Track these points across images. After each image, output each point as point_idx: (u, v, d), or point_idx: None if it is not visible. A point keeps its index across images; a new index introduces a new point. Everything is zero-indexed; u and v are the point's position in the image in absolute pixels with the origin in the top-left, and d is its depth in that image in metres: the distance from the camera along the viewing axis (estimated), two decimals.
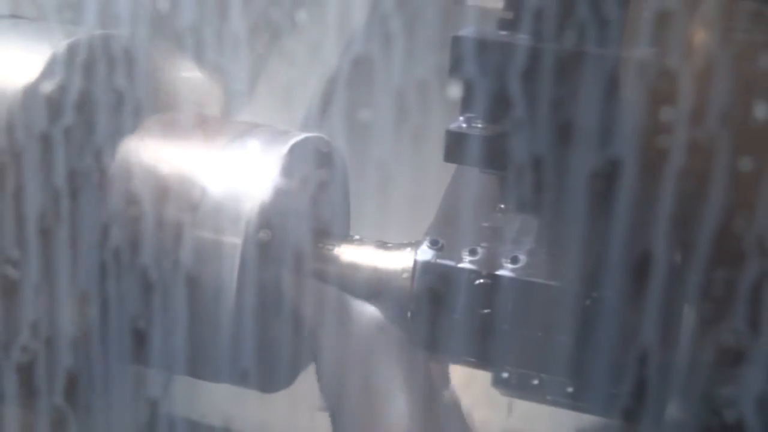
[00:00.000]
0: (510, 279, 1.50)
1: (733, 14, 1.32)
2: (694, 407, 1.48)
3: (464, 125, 1.41)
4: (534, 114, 1.34)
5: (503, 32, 1.37)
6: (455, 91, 1.39)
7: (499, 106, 1.36)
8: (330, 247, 1.68)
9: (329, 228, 1.73)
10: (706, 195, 1.27)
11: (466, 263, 1.53)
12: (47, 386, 1.63)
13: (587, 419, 1.61)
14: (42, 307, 1.62)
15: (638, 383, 1.43)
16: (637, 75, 1.32)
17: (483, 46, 1.36)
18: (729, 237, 1.29)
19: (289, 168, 1.64)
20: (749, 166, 1.29)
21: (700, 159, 1.27)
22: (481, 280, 1.51)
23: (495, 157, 1.41)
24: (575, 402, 1.51)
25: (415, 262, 1.55)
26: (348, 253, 1.67)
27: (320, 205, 1.71)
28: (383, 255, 1.65)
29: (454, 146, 1.42)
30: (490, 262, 1.52)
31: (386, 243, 1.67)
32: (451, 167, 1.61)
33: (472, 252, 1.53)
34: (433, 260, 1.54)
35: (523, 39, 1.35)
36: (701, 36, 1.33)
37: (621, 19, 1.30)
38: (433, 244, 1.55)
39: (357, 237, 1.71)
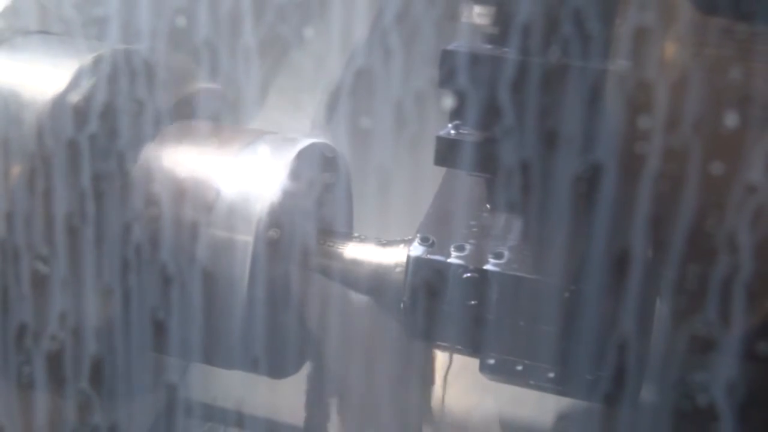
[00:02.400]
0: (495, 273, 1.50)
1: (705, 30, 1.33)
2: (669, 392, 1.50)
3: (453, 132, 1.43)
4: (518, 121, 1.36)
5: (489, 46, 1.39)
6: (447, 101, 1.41)
7: (485, 114, 1.38)
8: (333, 245, 1.69)
9: (333, 227, 1.74)
10: (679, 197, 1.29)
11: (455, 258, 1.53)
12: (74, 372, 1.65)
13: (568, 402, 1.64)
14: (69, 300, 1.63)
15: (613, 369, 1.43)
16: (616, 86, 1.34)
17: (469, 59, 1.38)
18: (699, 236, 1.30)
19: (296, 172, 1.65)
20: (719, 170, 1.29)
21: (673, 163, 1.29)
22: (469, 274, 1.52)
23: (481, 161, 1.43)
24: (556, 386, 1.51)
25: (408, 257, 1.56)
26: (349, 250, 1.68)
27: (325, 206, 1.72)
28: (380, 251, 1.66)
29: (444, 151, 1.43)
30: (477, 257, 1.52)
31: (383, 240, 1.68)
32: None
33: (460, 248, 1.54)
34: (424, 256, 1.55)
35: (507, 52, 1.37)
36: (675, 50, 1.34)
37: (602, 34, 1.32)
38: (424, 240, 1.56)
39: (357, 235, 1.72)
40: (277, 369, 1.70)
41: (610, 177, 1.33)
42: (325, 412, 1.74)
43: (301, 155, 1.67)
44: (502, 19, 1.38)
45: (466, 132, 1.42)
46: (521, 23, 1.33)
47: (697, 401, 1.37)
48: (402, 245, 1.62)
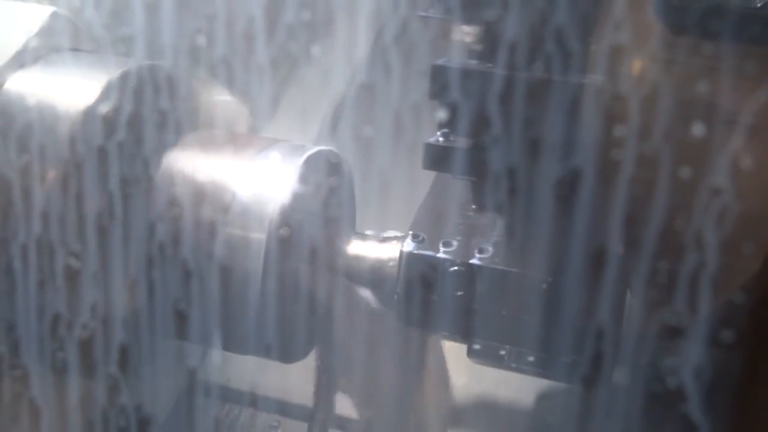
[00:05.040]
0: (480, 266, 1.54)
1: (674, 48, 1.37)
2: (640, 375, 1.53)
3: (441, 139, 1.47)
4: (501, 130, 1.39)
5: (475, 61, 1.43)
6: (439, 111, 1.45)
7: (470, 123, 1.42)
8: (338, 242, 1.71)
9: (338, 225, 1.75)
10: (650, 199, 1.32)
11: (443, 253, 1.57)
12: (103, 358, 1.68)
13: (547, 384, 1.70)
14: (99, 292, 1.66)
15: (587, 354, 1.47)
16: (592, 99, 1.38)
17: (457, 73, 1.42)
18: (667, 234, 1.34)
19: (305, 176, 1.68)
20: (686, 174, 1.33)
21: (644, 169, 1.32)
22: (456, 268, 1.56)
23: (467, 165, 1.47)
24: (536, 369, 1.56)
25: (401, 252, 1.60)
26: (351, 246, 1.72)
27: (330, 207, 1.74)
28: (377, 247, 1.69)
29: (432, 156, 1.48)
30: (463, 252, 1.56)
31: (380, 237, 1.71)
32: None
33: (448, 244, 1.58)
34: (415, 251, 1.59)
35: (489, 66, 1.41)
36: (647, 66, 1.38)
37: (580, 51, 1.36)
38: (416, 237, 1.60)
39: (359, 233, 1.76)
40: (288, 355, 1.73)
41: (586, 181, 1.37)
42: (333, 395, 1.78)
43: (309, 161, 1.70)
44: (487, 37, 1.42)
45: (452, 139, 1.46)
46: (503, 41, 1.37)
47: (667, 383, 1.39)
48: (396, 241, 1.65)
